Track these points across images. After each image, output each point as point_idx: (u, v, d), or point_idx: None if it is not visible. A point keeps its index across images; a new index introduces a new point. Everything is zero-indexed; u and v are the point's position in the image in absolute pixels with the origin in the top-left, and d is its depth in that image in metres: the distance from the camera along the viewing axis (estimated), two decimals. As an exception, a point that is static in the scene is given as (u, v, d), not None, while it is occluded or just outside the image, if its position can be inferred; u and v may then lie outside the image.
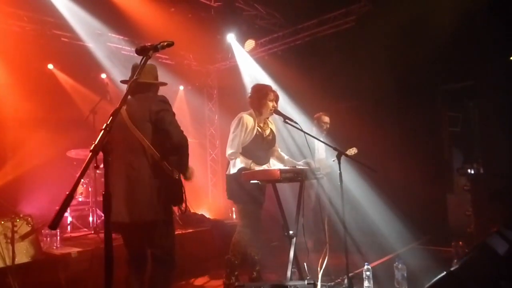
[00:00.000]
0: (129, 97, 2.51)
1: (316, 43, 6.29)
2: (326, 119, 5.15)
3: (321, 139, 4.59)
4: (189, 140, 2.68)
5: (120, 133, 2.51)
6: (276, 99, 3.60)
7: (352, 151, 4.92)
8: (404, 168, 5.33)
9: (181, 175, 2.70)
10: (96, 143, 1.46)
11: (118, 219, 2.41)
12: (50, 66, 5.96)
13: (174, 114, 2.63)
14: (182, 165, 2.66)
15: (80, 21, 5.50)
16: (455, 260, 3.46)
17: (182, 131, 2.59)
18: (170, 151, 2.57)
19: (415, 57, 5.20)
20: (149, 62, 1.84)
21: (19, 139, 5.24)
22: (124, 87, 2.87)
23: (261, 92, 3.55)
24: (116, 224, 2.38)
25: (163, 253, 2.64)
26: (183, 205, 2.68)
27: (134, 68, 2.65)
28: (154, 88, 2.74)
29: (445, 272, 2.16)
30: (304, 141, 3.33)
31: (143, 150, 2.51)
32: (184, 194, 2.67)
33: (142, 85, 2.62)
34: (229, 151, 3.49)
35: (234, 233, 3.60)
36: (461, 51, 4.96)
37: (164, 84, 2.85)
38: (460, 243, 3.80)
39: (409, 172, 5.30)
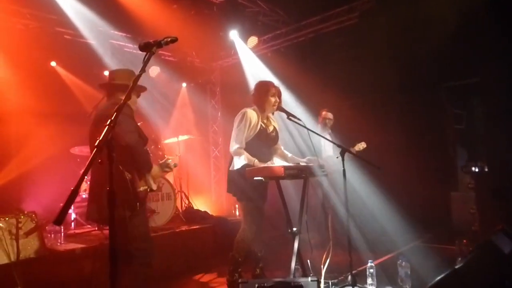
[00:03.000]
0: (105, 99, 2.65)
1: (319, 40, 6.27)
2: (329, 115, 5.20)
3: (326, 136, 4.60)
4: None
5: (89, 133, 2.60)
6: (279, 94, 3.58)
7: (361, 145, 4.90)
8: (408, 165, 5.31)
9: (146, 179, 2.70)
10: (100, 139, 1.46)
11: (91, 216, 2.57)
12: (53, 64, 5.97)
13: (129, 116, 2.62)
14: (140, 167, 2.65)
15: (83, 19, 5.50)
16: (459, 259, 3.44)
17: (129, 131, 2.57)
18: (122, 152, 2.51)
19: (419, 53, 5.17)
20: (150, 61, 1.82)
21: (23, 137, 5.24)
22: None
23: (263, 88, 3.55)
24: (90, 221, 2.50)
25: (131, 249, 2.58)
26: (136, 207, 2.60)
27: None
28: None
29: (449, 271, 2.15)
30: (309, 139, 3.31)
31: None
32: (134, 196, 2.59)
33: (117, 87, 2.68)
34: (233, 146, 3.44)
35: (237, 230, 3.59)
36: (465, 47, 4.91)
37: (143, 89, 2.83)
38: (464, 241, 3.79)
39: (413, 169, 5.28)
